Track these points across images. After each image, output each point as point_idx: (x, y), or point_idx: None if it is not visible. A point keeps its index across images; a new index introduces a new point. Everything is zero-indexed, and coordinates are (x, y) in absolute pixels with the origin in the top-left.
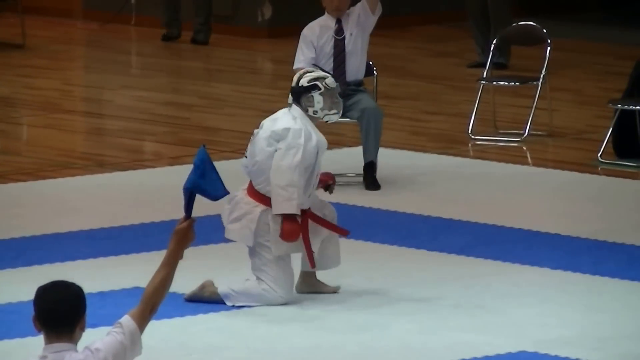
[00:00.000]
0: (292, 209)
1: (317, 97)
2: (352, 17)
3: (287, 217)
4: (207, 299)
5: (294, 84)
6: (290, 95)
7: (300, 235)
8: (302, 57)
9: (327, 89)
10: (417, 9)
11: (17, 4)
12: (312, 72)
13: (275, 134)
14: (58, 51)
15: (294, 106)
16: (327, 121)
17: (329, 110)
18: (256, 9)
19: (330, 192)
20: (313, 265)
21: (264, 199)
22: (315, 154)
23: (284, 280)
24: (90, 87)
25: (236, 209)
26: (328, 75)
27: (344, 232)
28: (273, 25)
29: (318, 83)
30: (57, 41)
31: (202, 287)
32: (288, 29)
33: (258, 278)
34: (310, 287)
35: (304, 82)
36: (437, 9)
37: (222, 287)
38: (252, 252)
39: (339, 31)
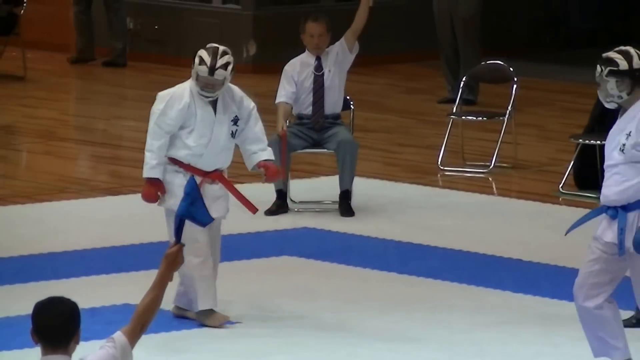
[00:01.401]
0: (145, 173)
1: (193, 74)
2: (331, 55)
3: (146, 181)
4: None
5: None
6: None
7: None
8: (284, 92)
9: (197, 75)
10: (392, 49)
11: (19, 39)
12: (213, 52)
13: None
14: (56, 83)
15: None
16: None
17: (201, 90)
18: (242, 47)
19: (263, 182)
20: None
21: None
22: (191, 115)
23: (191, 240)
24: (86, 117)
25: None
26: (205, 65)
27: (252, 209)
28: (257, 61)
29: (194, 66)
30: (55, 74)
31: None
32: (272, 66)
33: None
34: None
35: (196, 60)
36: (410, 49)
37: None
38: None
39: (318, 68)
